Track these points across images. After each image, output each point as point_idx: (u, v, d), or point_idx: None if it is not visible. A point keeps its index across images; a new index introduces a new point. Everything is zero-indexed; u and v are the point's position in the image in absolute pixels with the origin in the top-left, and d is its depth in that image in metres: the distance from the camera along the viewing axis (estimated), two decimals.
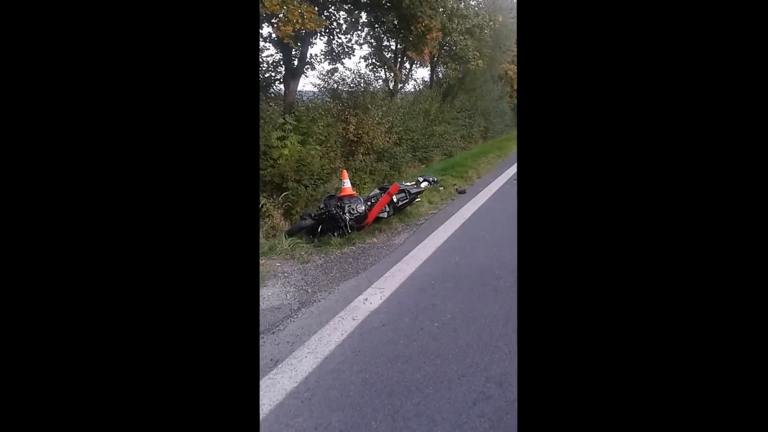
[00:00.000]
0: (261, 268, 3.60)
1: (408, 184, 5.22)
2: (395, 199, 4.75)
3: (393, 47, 10.28)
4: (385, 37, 9.75)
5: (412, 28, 8.08)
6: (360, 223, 4.48)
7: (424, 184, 5.35)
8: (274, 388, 2.04)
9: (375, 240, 4.38)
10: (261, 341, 2.47)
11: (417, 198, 5.14)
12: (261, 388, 2.04)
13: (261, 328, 2.62)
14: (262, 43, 8.28)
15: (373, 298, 2.97)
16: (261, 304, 2.98)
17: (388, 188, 4.76)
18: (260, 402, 1.95)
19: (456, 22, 9.20)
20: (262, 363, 2.25)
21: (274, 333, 2.56)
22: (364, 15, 8.72)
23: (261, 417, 1.86)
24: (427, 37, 8.32)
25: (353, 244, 4.22)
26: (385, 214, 4.74)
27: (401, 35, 8.80)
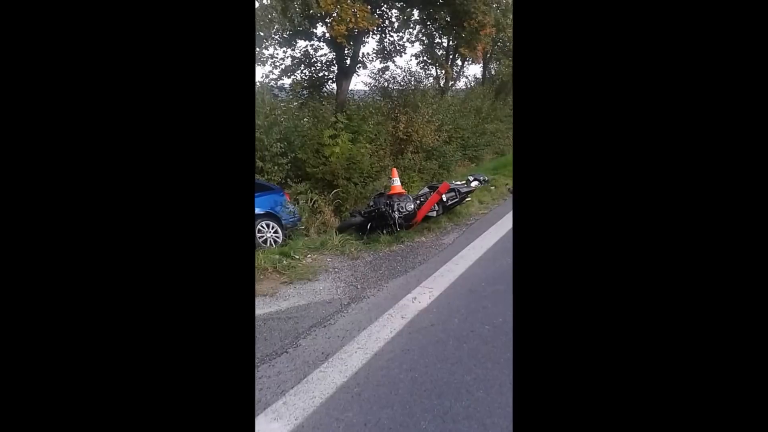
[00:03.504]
0: (313, 262, 3.69)
1: (458, 183, 5.14)
2: (445, 198, 4.70)
3: (445, 44, 10.17)
4: (437, 34, 9.66)
5: (465, 24, 7.94)
6: (409, 221, 4.48)
7: (474, 184, 5.25)
8: (325, 381, 2.08)
9: (424, 239, 4.35)
10: (313, 334, 2.53)
11: (467, 197, 5.06)
12: (312, 381, 2.09)
13: (313, 321, 2.68)
14: (316, 43, 8.47)
15: (422, 297, 2.95)
16: (313, 297, 3.06)
17: (437, 187, 4.72)
18: (311, 394, 1.99)
19: (510, 17, 8.94)
20: (313, 356, 2.30)
21: (325, 327, 2.61)
22: (416, 12, 8.69)
23: (312, 409, 1.90)
24: (481, 33, 8.14)
25: (402, 242, 4.22)
26: (434, 213, 4.71)
27: (454, 32, 8.69)
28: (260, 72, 8.61)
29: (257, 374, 2.15)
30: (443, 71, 10.16)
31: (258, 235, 4.56)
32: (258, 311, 2.86)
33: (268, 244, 4.53)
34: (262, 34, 6.68)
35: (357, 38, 7.75)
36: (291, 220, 5.13)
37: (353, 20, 6.55)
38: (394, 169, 5.11)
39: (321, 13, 6.66)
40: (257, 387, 2.05)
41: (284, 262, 3.55)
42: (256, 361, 2.27)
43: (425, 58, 10.12)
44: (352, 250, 3.97)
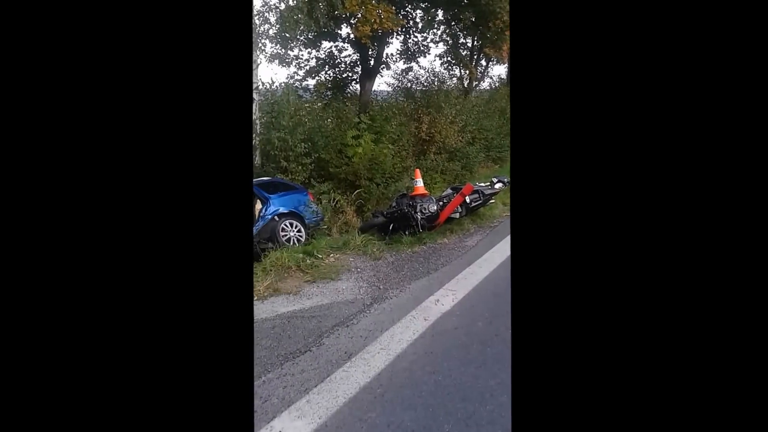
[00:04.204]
0: (336, 261, 3.72)
1: (481, 184, 5.09)
2: (468, 200, 4.66)
3: (469, 45, 10.09)
4: (461, 35, 9.59)
5: (491, 24, 7.87)
6: (431, 222, 4.45)
7: (498, 185, 5.19)
8: (348, 381, 2.09)
9: (446, 241, 4.33)
10: (336, 334, 2.55)
11: (491, 199, 5.00)
12: (335, 380, 2.10)
13: (336, 321, 2.70)
14: (340, 44, 8.54)
15: (445, 299, 2.93)
16: (336, 296, 3.08)
17: (461, 188, 4.68)
18: (335, 393, 2.00)
19: None
20: (336, 355, 2.32)
21: (348, 326, 2.62)
22: (440, 13, 8.66)
23: (335, 409, 1.91)
24: (506, 33, 8.05)
25: (424, 243, 4.20)
26: (456, 215, 4.67)
27: (479, 32, 8.63)
28: (285, 73, 8.70)
29: (281, 371, 2.18)
30: (467, 71, 10.08)
31: (282, 233, 4.62)
32: (282, 309, 2.89)
33: (292, 243, 4.58)
34: (288, 35, 6.77)
35: (381, 39, 7.78)
36: (314, 219, 5.18)
37: (378, 21, 6.57)
38: (417, 170, 5.10)
39: (346, 14, 6.71)
40: (281, 385, 2.07)
41: (308, 261, 3.58)
42: (280, 358, 2.30)
43: (449, 58, 10.06)
44: (375, 250, 3.98)
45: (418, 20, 8.80)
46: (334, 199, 5.79)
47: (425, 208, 4.45)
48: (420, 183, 4.76)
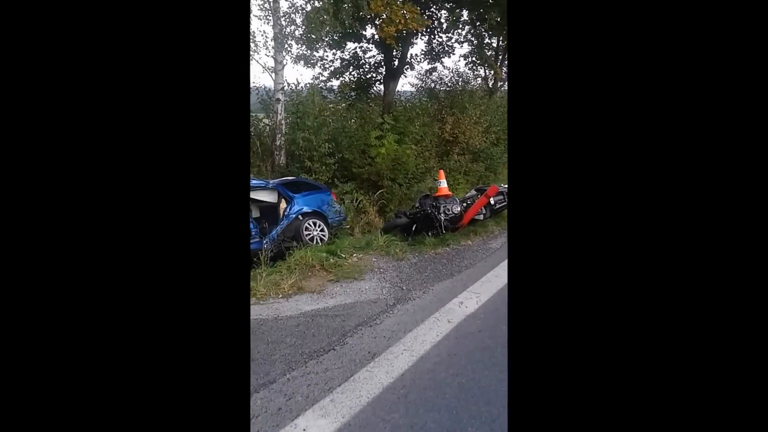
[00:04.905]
0: (359, 261, 3.73)
1: (506, 186, 5.02)
2: (492, 202, 4.61)
3: (494, 45, 9.98)
4: (486, 35, 9.49)
5: None
6: (455, 224, 4.42)
7: None
8: (371, 381, 2.09)
9: (470, 242, 4.29)
10: (360, 333, 2.55)
11: None
12: (359, 380, 2.11)
13: (359, 320, 2.71)
14: (365, 45, 8.57)
15: (469, 302, 2.91)
16: (359, 296, 3.09)
17: (485, 189, 4.63)
18: (358, 393, 2.01)
19: None
20: (360, 355, 2.32)
21: (371, 326, 2.63)
22: (465, 13, 8.59)
23: (359, 408, 1.92)
24: None
25: (447, 245, 4.18)
26: (480, 216, 4.62)
27: (504, 32, 8.50)
28: (310, 74, 8.78)
29: (305, 370, 2.20)
30: (492, 72, 9.97)
31: (305, 232, 4.67)
32: (306, 307, 2.92)
33: (315, 242, 4.63)
34: (313, 36, 6.84)
35: (406, 39, 7.77)
36: (337, 219, 5.21)
37: (403, 21, 6.56)
38: (441, 171, 5.07)
39: (371, 15, 6.73)
40: (305, 383, 2.09)
41: (331, 260, 3.61)
42: (304, 356, 2.32)
43: (474, 58, 9.97)
44: (397, 251, 3.98)
45: (442, 20, 8.75)
46: (356, 199, 5.82)
47: (449, 210, 4.42)
48: (443, 184, 4.73)
